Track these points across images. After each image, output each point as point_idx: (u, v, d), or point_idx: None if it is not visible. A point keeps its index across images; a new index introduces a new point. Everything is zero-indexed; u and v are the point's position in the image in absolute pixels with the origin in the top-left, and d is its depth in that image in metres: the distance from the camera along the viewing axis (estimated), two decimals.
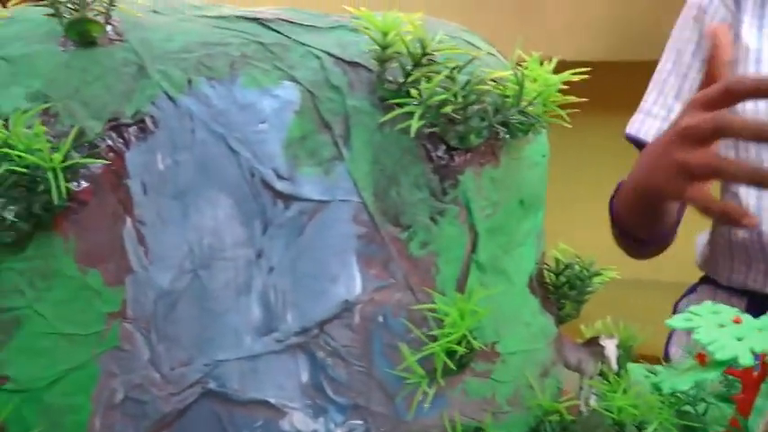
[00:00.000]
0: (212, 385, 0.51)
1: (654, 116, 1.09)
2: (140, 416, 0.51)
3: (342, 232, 0.52)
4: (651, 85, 1.11)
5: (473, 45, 0.57)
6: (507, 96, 0.53)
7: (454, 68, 0.51)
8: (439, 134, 0.52)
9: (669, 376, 0.56)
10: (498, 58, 0.58)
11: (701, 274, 1.16)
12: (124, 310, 0.51)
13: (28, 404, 0.50)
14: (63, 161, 0.48)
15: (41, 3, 0.52)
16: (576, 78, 0.54)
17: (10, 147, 0.46)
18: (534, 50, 0.55)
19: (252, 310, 0.52)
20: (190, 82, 0.52)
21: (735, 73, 1.01)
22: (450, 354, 0.52)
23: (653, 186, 0.82)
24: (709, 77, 0.77)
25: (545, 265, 0.63)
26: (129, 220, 0.51)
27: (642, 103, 1.11)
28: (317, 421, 0.52)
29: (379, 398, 0.53)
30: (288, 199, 0.52)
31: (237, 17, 0.55)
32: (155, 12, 0.55)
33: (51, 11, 0.51)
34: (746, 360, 0.52)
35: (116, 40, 0.52)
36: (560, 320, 0.63)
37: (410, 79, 0.51)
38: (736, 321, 0.56)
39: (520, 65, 0.55)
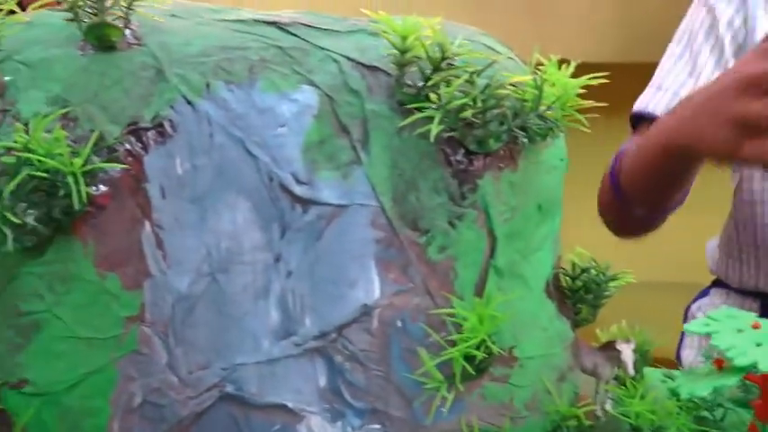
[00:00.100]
0: (230, 389, 0.51)
1: (665, 90, 1.01)
2: (158, 419, 0.51)
3: (360, 237, 0.52)
4: (661, 65, 1.05)
5: (492, 49, 0.57)
6: (526, 100, 0.53)
7: (473, 72, 0.51)
8: (458, 138, 0.52)
9: (687, 382, 0.56)
10: (517, 61, 0.58)
11: (713, 276, 1.15)
12: (142, 314, 0.51)
13: (47, 408, 0.50)
14: (83, 165, 0.48)
15: (60, 7, 0.52)
16: (594, 82, 0.54)
17: (30, 151, 0.47)
18: (542, 52, 0.54)
19: (270, 314, 0.52)
20: (208, 86, 0.52)
21: None
22: (469, 358, 0.52)
23: (694, 143, 0.72)
24: None
25: (561, 269, 0.63)
26: (147, 224, 0.51)
27: (652, 81, 1.05)
28: (335, 425, 0.52)
29: (398, 402, 0.53)
30: (306, 203, 0.52)
31: (256, 21, 0.55)
32: (173, 16, 0.55)
33: (70, 15, 0.51)
34: (766, 366, 0.52)
35: (135, 44, 0.52)
36: (576, 325, 0.63)
37: (430, 83, 0.51)
38: (755, 327, 0.56)
39: (538, 68, 0.55)
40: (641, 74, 1.06)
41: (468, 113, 0.51)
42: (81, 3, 0.51)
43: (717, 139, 0.69)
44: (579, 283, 0.63)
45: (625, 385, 0.60)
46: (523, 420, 0.57)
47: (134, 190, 0.51)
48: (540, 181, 0.57)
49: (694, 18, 1.05)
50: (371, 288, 0.52)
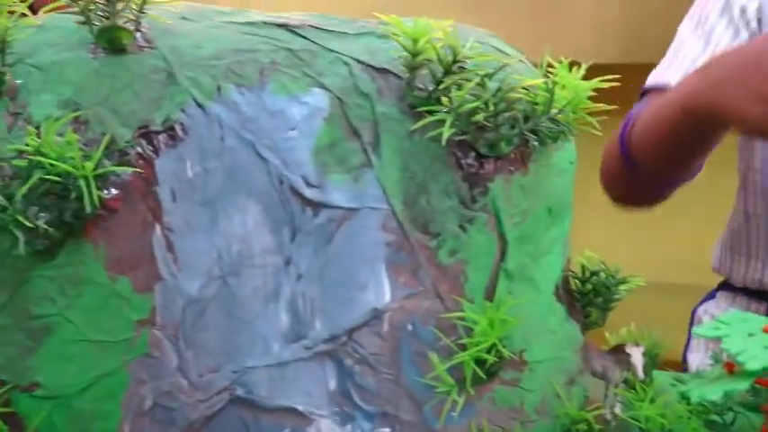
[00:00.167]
0: (240, 392, 0.51)
1: (681, 59, 0.95)
2: (168, 422, 0.51)
3: (371, 240, 0.52)
4: (672, 45, 1.00)
5: (502, 51, 0.57)
6: (537, 104, 0.53)
7: (485, 76, 0.51)
8: (469, 142, 0.52)
9: (697, 385, 0.56)
10: (527, 64, 0.57)
11: (719, 279, 1.15)
12: (153, 318, 0.51)
13: (58, 411, 0.50)
14: (94, 169, 0.48)
15: (72, 11, 0.52)
16: (605, 85, 0.53)
17: (42, 155, 0.47)
18: (548, 53, 0.54)
19: (280, 317, 0.52)
20: (219, 89, 0.52)
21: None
22: (480, 362, 0.51)
23: (723, 111, 0.68)
24: None
25: (571, 273, 0.63)
26: (158, 227, 0.51)
27: (663, 60, 0.99)
28: (345, 428, 0.52)
29: (408, 406, 0.53)
30: (317, 206, 0.52)
31: (265, 23, 0.55)
32: (184, 18, 0.55)
33: (82, 18, 0.51)
34: None
35: (146, 47, 0.52)
36: (586, 328, 0.63)
37: (441, 86, 0.51)
38: (766, 331, 0.55)
39: (548, 71, 0.55)
40: (646, 75, 1.06)
41: (479, 117, 0.51)
42: (92, 6, 0.51)
43: (748, 112, 0.66)
44: (589, 286, 0.63)
45: (635, 389, 0.60)
46: (533, 424, 0.57)
47: (145, 193, 0.51)
48: (551, 184, 0.57)
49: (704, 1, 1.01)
50: (382, 291, 0.52)
